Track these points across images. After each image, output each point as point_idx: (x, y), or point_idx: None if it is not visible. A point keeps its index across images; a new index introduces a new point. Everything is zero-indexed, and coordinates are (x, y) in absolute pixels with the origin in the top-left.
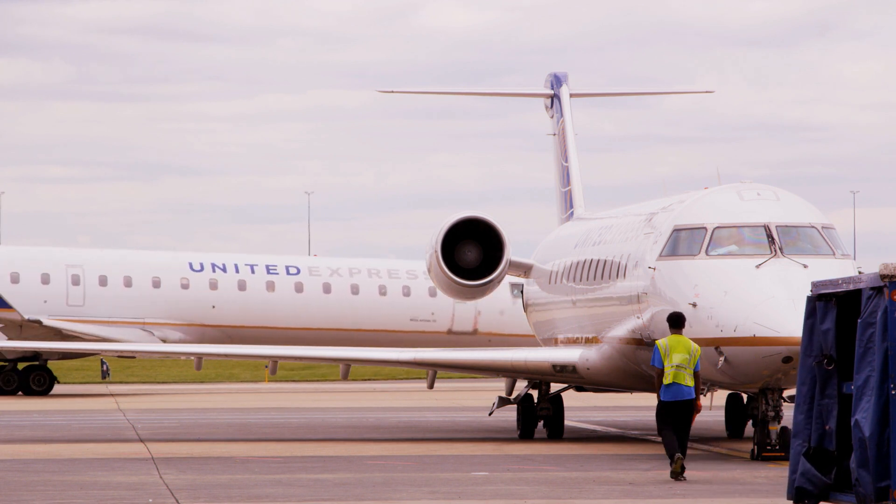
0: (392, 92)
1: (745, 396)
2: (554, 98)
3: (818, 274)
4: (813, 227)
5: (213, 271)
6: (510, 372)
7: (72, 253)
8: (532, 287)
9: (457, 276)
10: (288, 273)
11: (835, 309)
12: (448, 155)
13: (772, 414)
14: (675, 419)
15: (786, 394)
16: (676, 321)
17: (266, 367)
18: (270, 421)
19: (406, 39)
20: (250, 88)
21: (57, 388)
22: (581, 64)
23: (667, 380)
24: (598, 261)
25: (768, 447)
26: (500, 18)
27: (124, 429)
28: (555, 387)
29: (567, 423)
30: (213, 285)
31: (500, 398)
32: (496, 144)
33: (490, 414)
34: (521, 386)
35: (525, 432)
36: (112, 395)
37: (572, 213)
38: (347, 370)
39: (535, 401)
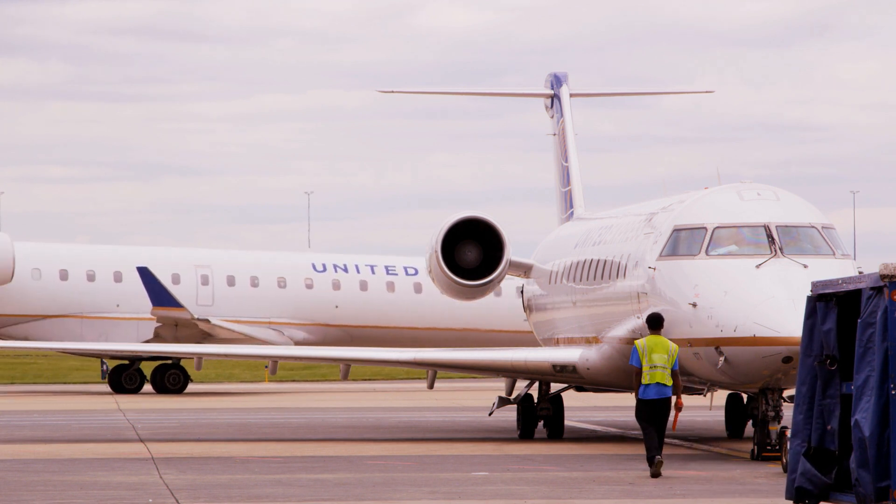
0: (392, 92)
1: (745, 396)
2: (554, 98)
3: (818, 274)
4: (813, 227)
5: (336, 272)
6: (510, 372)
7: (199, 253)
8: (532, 287)
9: (457, 276)
10: (406, 274)
11: (835, 309)
12: (447, 155)
13: (772, 414)
14: (655, 417)
15: (786, 394)
16: (655, 322)
17: (266, 367)
18: (270, 421)
19: (404, 40)
20: (249, 88)
21: (57, 388)
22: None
23: (645, 380)
24: (599, 261)
25: (768, 447)
26: (498, 19)
27: (124, 429)
28: (555, 387)
29: (567, 423)
30: (336, 285)
31: (500, 398)
32: (495, 144)
33: (490, 414)
34: (521, 386)
35: (525, 432)
36: (112, 394)
37: (572, 213)
38: (347, 370)
39: (535, 401)
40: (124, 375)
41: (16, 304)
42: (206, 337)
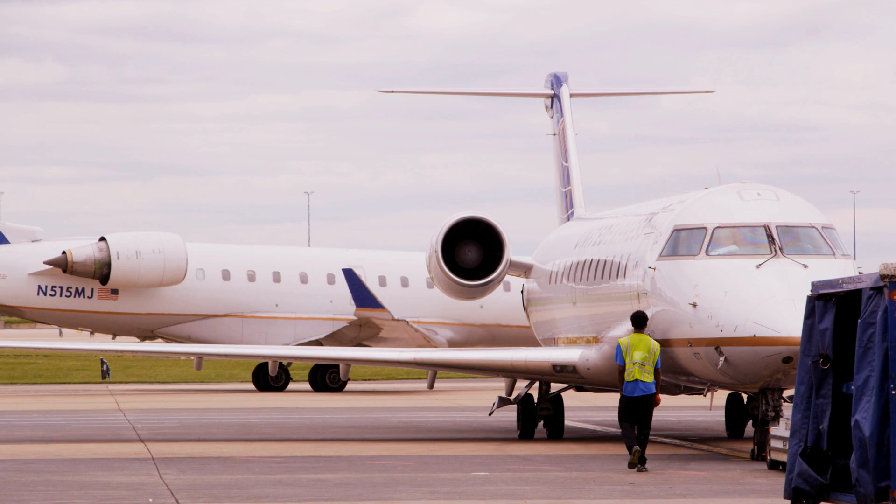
0: (392, 92)
1: (745, 396)
2: (554, 98)
3: (818, 274)
4: (813, 227)
5: None
6: (510, 372)
7: (351, 254)
8: (532, 287)
9: (457, 276)
10: None
11: (833, 309)
12: (443, 155)
13: (772, 414)
14: (636, 413)
15: (786, 394)
16: (638, 321)
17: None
18: (270, 421)
19: (399, 40)
20: (244, 88)
21: (57, 388)
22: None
23: (628, 377)
24: (599, 261)
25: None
26: (493, 19)
27: (124, 429)
28: (555, 387)
29: (567, 423)
30: None
31: (500, 398)
32: (491, 145)
33: (490, 414)
34: (521, 386)
35: (525, 432)
36: (112, 394)
37: (572, 213)
38: (347, 370)
39: (535, 401)
40: (328, 374)
41: (181, 304)
42: (382, 339)
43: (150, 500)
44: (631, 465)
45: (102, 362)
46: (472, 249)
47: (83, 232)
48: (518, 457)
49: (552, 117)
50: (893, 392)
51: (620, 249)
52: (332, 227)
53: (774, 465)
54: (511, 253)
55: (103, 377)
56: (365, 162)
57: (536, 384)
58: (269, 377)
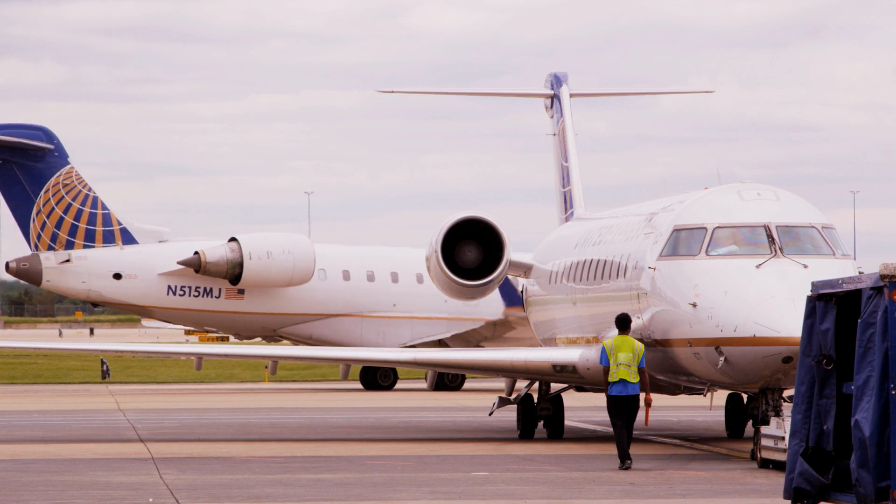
0: (392, 92)
1: (745, 396)
2: (554, 98)
3: (818, 274)
4: (813, 227)
5: None
6: (510, 372)
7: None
8: (532, 287)
9: (457, 276)
10: None
11: (834, 309)
12: (442, 155)
13: (772, 414)
14: (621, 413)
15: (786, 394)
16: (622, 323)
17: (266, 367)
18: (270, 421)
19: (398, 40)
20: (243, 89)
21: (57, 388)
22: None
23: (613, 377)
24: (599, 261)
25: None
26: (492, 19)
27: (124, 429)
28: (555, 387)
29: (567, 423)
30: None
31: (501, 398)
32: (490, 145)
33: (490, 414)
34: (521, 386)
35: (525, 432)
36: (112, 394)
37: (572, 213)
38: (347, 370)
39: (535, 401)
40: (379, 374)
41: (304, 304)
42: (507, 339)
43: (150, 500)
44: (623, 459)
45: (102, 362)
46: (472, 249)
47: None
48: (518, 457)
49: (552, 117)
50: (893, 392)
51: (620, 249)
52: (332, 228)
53: (765, 464)
54: (511, 253)
55: (103, 377)
56: (364, 162)
57: (536, 384)
58: (378, 377)
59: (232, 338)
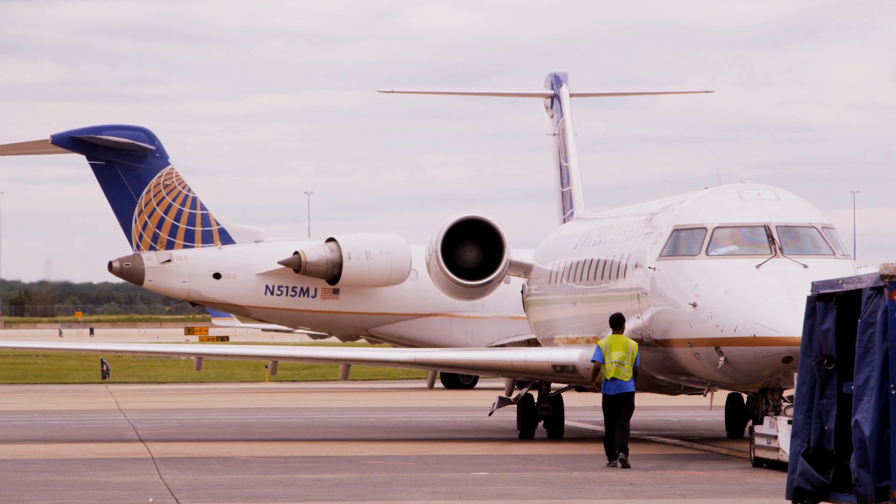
0: (392, 92)
1: (745, 396)
2: (554, 98)
3: (818, 274)
4: (813, 227)
5: None
6: (510, 372)
7: None
8: (532, 287)
9: (457, 276)
10: None
11: (835, 309)
12: (441, 155)
13: (772, 414)
14: (615, 412)
15: (786, 394)
16: (615, 322)
17: (266, 367)
18: (270, 421)
19: (396, 40)
20: (242, 89)
21: (57, 388)
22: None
23: (607, 375)
24: (599, 261)
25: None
26: (490, 20)
27: (124, 429)
28: (555, 387)
29: (567, 423)
30: None
31: (501, 398)
32: (490, 145)
33: (490, 414)
34: (519, 388)
35: (525, 432)
36: (112, 394)
37: (572, 213)
38: (347, 370)
39: (536, 401)
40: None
41: (396, 304)
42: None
43: (150, 500)
44: (611, 458)
45: (102, 362)
46: (472, 249)
47: (80, 232)
48: (518, 457)
49: (552, 117)
50: (893, 392)
51: (620, 249)
52: (331, 228)
53: (759, 463)
54: (511, 253)
55: (103, 377)
56: (364, 162)
57: (536, 384)
58: (460, 376)
59: (231, 338)
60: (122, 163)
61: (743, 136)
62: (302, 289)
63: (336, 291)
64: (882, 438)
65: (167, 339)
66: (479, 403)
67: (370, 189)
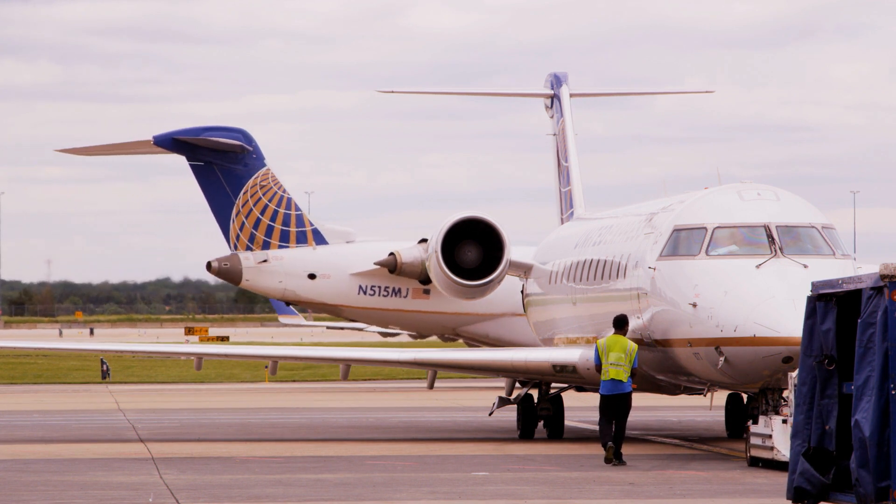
0: (392, 92)
1: (745, 396)
2: (554, 98)
3: (818, 274)
4: (813, 227)
5: None
6: (510, 372)
7: None
8: (532, 287)
9: (457, 276)
10: None
11: (835, 309)
12: (440, 155)
13: (772, 414)
14: (614, 410)
15: (785, 394)
16: (618, 323)
17: (266, 367)
18: (270, 421)
19: (394, 40)
20: (240, 89)
21: (57, 388)
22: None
23: (605, 376)
24: (599, 261)
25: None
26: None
27: (124, 429)
28: (555, 387)
29: (567, 423)
30: None
31: (501, 398)
32: (489, 145)
33: (490, 414)
34: (521, 386)
35: (525, 432)
36: (112, 394)
37: (572, 213)
38: (347, 370)
39: (535, 401)
40: None
41: (482, 304)
42: None
43: (150, 500)
44: (607, 461)
45: (102, 362)
46: (472, 249)
47: (79, 232)
48: (518, 457)
49: (552, 117)
50: (893, 392)
51: (620, 249)
52: None
53: (754, 462)
54: (511, 253)
55: (103, 377)
56: (364, 162)
57: (536, 384)
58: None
59: (231, 338)
60: (221, 164)
61: (741, 137)
62: (394, 289)
63: (426, 291)
64: (882, 438)
65: (167, 339)
66: (479, 403)
67: (370, 189)
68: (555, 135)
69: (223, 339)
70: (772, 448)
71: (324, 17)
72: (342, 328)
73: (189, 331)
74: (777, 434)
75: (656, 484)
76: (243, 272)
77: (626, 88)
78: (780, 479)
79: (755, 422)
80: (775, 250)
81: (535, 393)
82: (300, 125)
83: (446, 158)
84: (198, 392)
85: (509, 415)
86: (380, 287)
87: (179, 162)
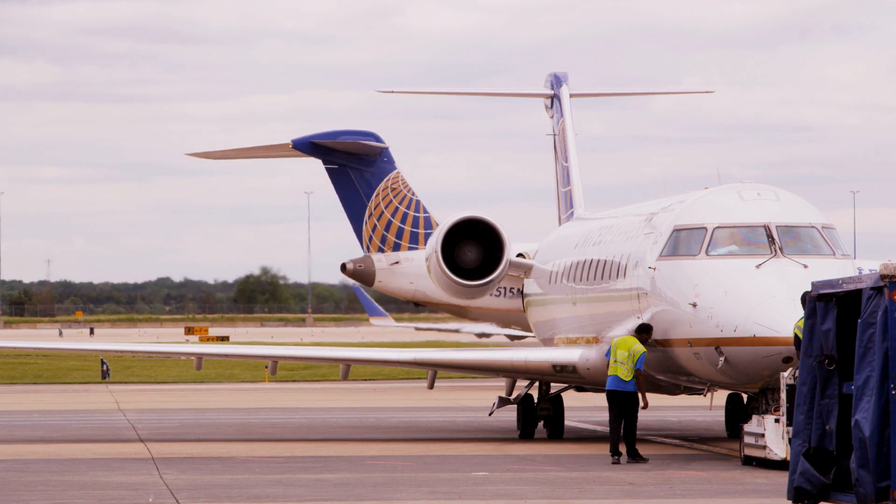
0: (392, 92)
1: (745, 396)
2: (554, 98)
3: (818, 274)
4: (813, 227)
5: None
6: (510, 372)
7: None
8: (532, 287)
9: (457, 277)
10: None
11: (835, 309)
12: (439, 155)
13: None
14: (620, 407)
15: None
16: (641, 328)
17: (266, 367)
18: (270, 421)
19: (392, 40)
20: (237, 89)
21: (57, 388)
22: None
23: (611, 371)
24: (599, 261)
25: None
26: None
27: (124, 429)
28: (555, 387)
29: (567, 423)
30: None
31: (501, 398)
32: (489, 145)
33: (490, 414)
34: (521, 386)
35: (525, 432)
36: (112, 394)
37: (572, 214)
38: (347, 370)
39: (535, 401)
40: None
41: None
42: None
43: (150, 500)
44: (612, 454)
45: (102, 362)
46: (472, 249)
47: (79, 232)
48: (518, 457)
49: (552, 117)
50: (893, 392)
51: (620, 249)
52: (331, 228)
53: (748, 461)
54: (511, 253)
55: (103, 377)
56: None
57: (536, 384)
58: None
59: (231, 338)
60: (355, 167)
61: (740, 137)
62: (518, 290)
63: None
64: (882, 438)
65: (167, 339)
66: (479, 403)
67: None
68: (555, 135)
69: (223, 339)
70: (764, 447)
71: (322, 17)
72: (430, 329)
73: (189, 331)
74: (769, 433)
75: (656, 484)
76: (376, 274)
77: (624, 89)
78: (780, 479)
79: (748, 421)
80: (775, 250)
81: (535, 393)
82: (299, 125)
83: (446, 158)
84: (198, 392)
85: (509, 415)
86: (506, 288)
87: (180, 162)
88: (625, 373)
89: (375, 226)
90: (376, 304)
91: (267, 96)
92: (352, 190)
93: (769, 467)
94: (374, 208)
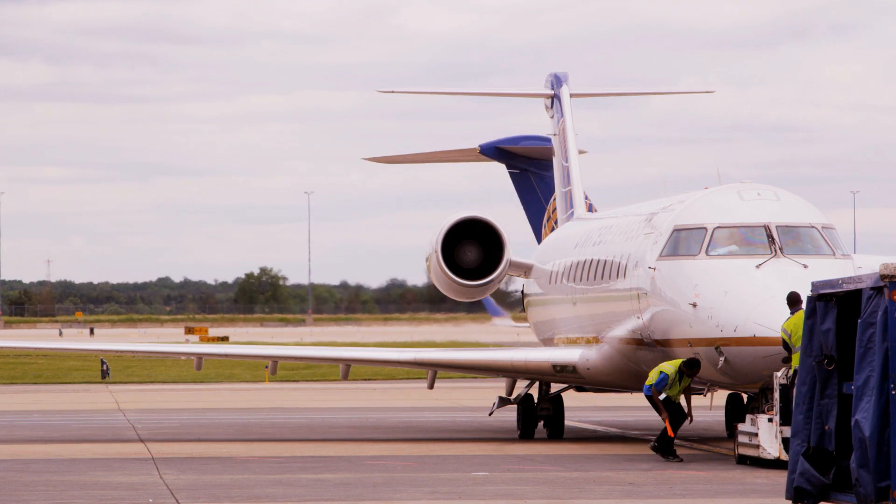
0: (392, 92)
1: (745, 396)
2: (554, 98)
3: (818, 274)
4: (813, 227)
5: None
6: (510, 372)
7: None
8: (532, 287)
9: (457, 276)
10: None
11: (835, 309)
12: None
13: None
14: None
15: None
16: (689, 364)
17: (266, 367)
18: (270, 421)
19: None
20: (235, 89)
21: (57, 388)
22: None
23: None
24: (599, 261)
25: None
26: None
27: (124, 429)
28: (555, 387)
29: (567, 423)
30: None
31: (501, 398)
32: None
33: (490, 414)
34: (521, 386)
35: (525, 432)
36: (112, 394)
37: (572, 214)
38: (347, 370)
39: (536, 401)
40: None
41: None
42: None
43: (150, 500)
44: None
45: (102, 362)
46: (472, 249)
47: (78, 232)
48: (518, 457)
49: (552, 117)
50: (893, 392)
51: (620, 249)
52: (330, 228)
53: (742, 461)
54: (511, 253)
55: (103, 377)
56: (362, 162)
57: (536, 384)
58: None
59: (231, 338)
60: (535, 171)
61: (738, 137)
62: None
63: None
64: (882, 438)
65: (167, 339)
66: (479, 403)
67: (368, 189)
68: (555, 135)
69: (223, 339)
70: (758, 446)
71: (319, 17)
72: None
73: (189, 331)
74: (763, 432)
75: (656, 484)
76: None
77: (624, 89)
78: (780, 479)
79: (743, 420)
80: (775, 250)
81: (535, 393)
82: (295, 125)
83: None
84: (198, 392)
85: (509, 415)
86: None
87: (180, 162)
88: (649, 379)
89: (554, 227)
90: (497, 305)
91: (264, 96)
92: (532, 193)
93: (763, 466)
94: (553, 212)
